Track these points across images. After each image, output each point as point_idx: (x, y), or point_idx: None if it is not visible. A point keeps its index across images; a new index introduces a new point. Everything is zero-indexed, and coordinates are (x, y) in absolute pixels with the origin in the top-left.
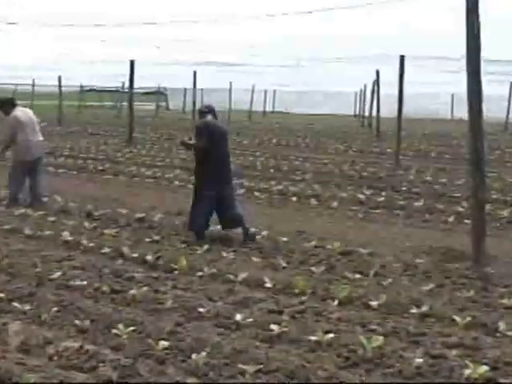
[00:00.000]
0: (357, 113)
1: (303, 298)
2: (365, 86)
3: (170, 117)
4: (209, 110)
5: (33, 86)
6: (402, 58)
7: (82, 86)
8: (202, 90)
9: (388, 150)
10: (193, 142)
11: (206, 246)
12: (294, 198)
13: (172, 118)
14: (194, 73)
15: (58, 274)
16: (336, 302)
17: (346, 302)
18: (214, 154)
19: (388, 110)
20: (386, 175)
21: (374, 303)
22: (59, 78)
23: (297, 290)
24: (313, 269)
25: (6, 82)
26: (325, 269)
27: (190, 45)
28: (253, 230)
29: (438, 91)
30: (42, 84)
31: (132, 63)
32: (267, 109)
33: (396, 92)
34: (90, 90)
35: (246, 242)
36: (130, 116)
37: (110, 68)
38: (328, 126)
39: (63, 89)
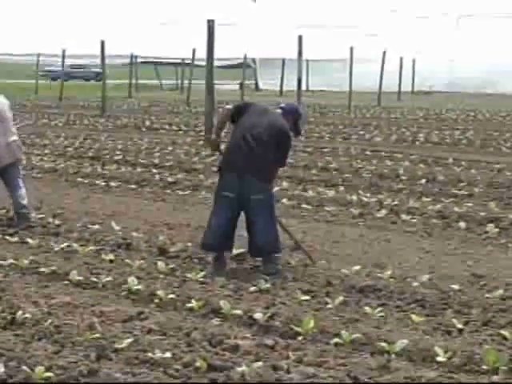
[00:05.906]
0: None
1: (495, 377)
2: None
3: (262, 101)
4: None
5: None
6: None
7: (133, 57)
8: (307, 61)
9: None
10: None
11: (340, 298)
12: (462, 224)
13: (265, 102)
14: (300, 38)
15: (128, 341)
16: None
17: None
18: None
19: None
20: None
21: None
22: (102, 45)
23: (485, 367)
24: (505, 333)
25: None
26: None
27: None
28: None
29: None
30: (73, 54)
31: (211, 24)
32: (404, 88)
33: None
34: (144, 63)
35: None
36: (207, 101)
37: (168, 30)
38: (499, 111)
39: (108, 61)
